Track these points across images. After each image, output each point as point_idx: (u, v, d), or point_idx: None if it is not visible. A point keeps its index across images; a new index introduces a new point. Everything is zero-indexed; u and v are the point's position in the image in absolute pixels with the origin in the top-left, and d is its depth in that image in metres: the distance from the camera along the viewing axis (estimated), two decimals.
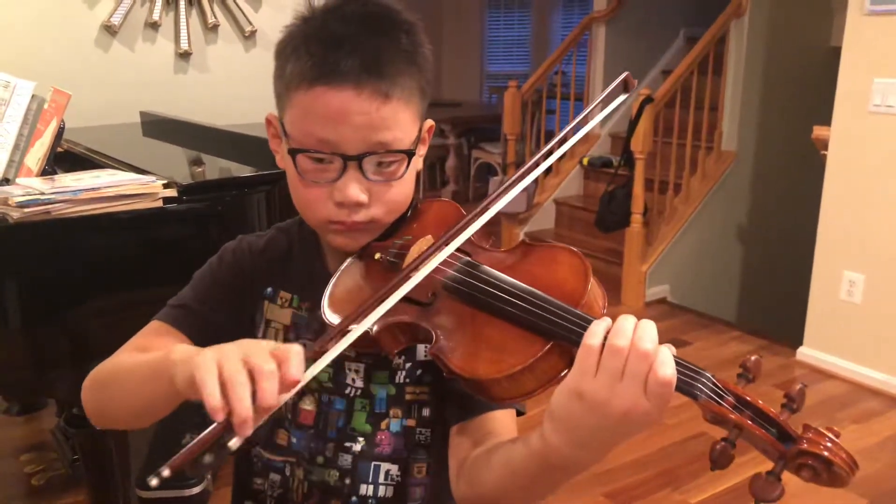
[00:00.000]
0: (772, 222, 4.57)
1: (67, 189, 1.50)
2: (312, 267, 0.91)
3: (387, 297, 0.71)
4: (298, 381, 0.61)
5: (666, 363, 0.59)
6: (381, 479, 0.86)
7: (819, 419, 2.85)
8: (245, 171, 1.92)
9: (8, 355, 1.47)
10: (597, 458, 0.65)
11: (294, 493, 0.90)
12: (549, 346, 0.65)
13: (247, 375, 0.60)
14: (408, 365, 0.86)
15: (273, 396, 0.59)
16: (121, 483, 1.69)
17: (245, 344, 0.64)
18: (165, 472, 0.57)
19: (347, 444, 0.87)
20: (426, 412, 0.87)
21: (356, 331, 0.69)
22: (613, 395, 0.60)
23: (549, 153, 0.83)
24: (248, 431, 0.58)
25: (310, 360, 0.67)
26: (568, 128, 0.83)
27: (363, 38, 0.78)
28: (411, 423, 0.86)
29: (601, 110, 0.87)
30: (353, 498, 0.87)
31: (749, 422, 0.60)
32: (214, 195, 1.72)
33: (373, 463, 0.86)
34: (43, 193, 1.47)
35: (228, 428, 0.58)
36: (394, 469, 0.87)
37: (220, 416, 0.58)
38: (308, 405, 0.88)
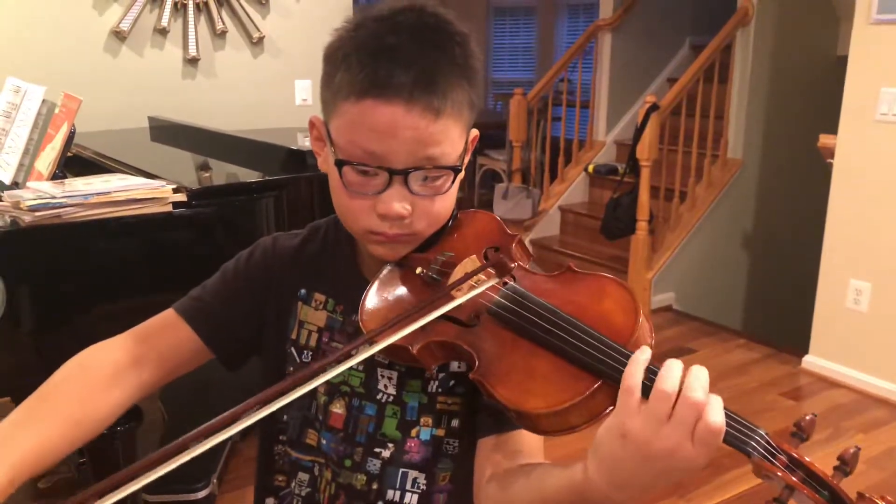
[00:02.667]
0: (778, 230, 4.57)
1: (78, 193, 1.51)
2: (348, 270, 0.91)
3: (423, 317, 0.70)
4: None
5: (716, 410, 0.59)
6: (409, 486, 0.86)
7: (825, 428, 2.84)
8: (253, 176, 1.93)
9: (18, 358, 1.48)
10: (633, 500, 0.64)
11: (321, 494, 0.90)
12: (597, 384, 0.64)
13: None
14: (441, 375, 0.86)
15: None
16: None
17: None
18: None
19: (377, 450, 0.86)
20: (456, 423, 0.86)
21: (385, 342, 0.69)
22: (657, 438, 0.59)
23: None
24: None
25: (334, 362, 0.67)
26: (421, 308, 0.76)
27: (416, 51, 0.76)
28: (441, 432, 0.86)
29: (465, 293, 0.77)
30: (379, 503, 0.87)
31: (801, 483, 0.59)
32: (223, 200, 1.73)
33: (401, 469, 0.86)
34: (54, 197, 1.48)
35: None
36: (421, 477, 0.86)
37: None
38: (338, 409, 0.88)
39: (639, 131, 3.92)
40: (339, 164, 0.80)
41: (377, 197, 0.79)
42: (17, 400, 1.58)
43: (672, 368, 0.61)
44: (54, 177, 1.76)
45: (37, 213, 1.45)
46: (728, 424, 0.59)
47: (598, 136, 5.18)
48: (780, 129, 4.44)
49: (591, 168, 5.04)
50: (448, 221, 0.87)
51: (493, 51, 8.12)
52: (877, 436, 2.82)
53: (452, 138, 0.79)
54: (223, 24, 3.39)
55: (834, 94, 3.28)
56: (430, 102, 0.76)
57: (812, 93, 4.36)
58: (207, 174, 2.18)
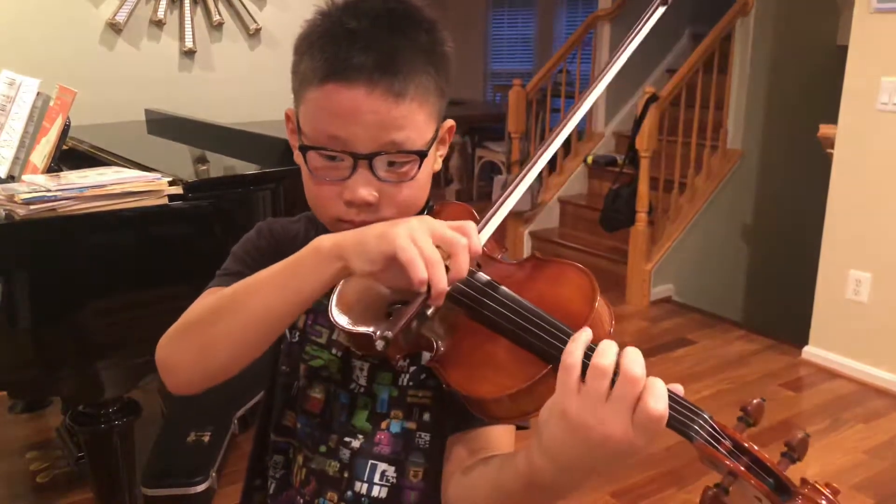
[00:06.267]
0: (777, 221, 4.56)
1: (73, 186, 1.50)
2: None
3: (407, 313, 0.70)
4: (480, 251, 0.70)
5: (658, 397, 0.57)
6: (377, 478, 0.86)
7: (825, 419, 2.84)
8: (250, 168, 1.92)
9: (14, 353, 1.47)
10: (581, 483, 0.63)
11: (294, 478, 0.90)
12: (547, 369, 0.64)
13: (439, 253, 0.66)
14: (412, 368, 0.86)
15: (466, 268, 0.67)
16: (126, 480, 1.69)
17: (426, 221, 0.69)
18: (388, 334, 0.65)
19: (347, 439, 0.87)
20: (427, 416, 0.86)
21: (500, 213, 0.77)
22: (597, 420, 0.58)
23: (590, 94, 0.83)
24: (441, 301, 0.66)
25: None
26: (618, 55, 0.84)
27: (379, 36, 0.76)
28: (412, 425, 0.86)
29: (640, 31, 0.86)
30: (349, 493, 0.87)
31: (745, 470, 0.57)
32: (219, 193, 1.72)
33: (370, 461, 0.86)
34: (49, 190, 1.47)
35: (426, 299, 0.66)
36: (390, 470, 0.86)
37: (424, 288, 0.65)
38: (317, 393, 0.88)
39: (638, 122, 3.91)
40: (304, 149, 0.80)
41: (343, 183, 0.79)
42: (13, 394, 1.57)
43: (608, 346, 0.60)
44: (49, 170, 1.75)
45: (32, 207, 1.44)
46: (670, 408, 0.58)
47: (597, 127, 5.17)
48: (780, 119, 4.43)
49: (590, 159, 5.03)
50: (423, 211, 0.87)
51: (492, 42, 8.10)
52: (877, 426, 2.82)
53: (417, 123, 0.79)
54: (220, 15, 3.37)
55: (834, 84, 3.27)
56: (392, 85, 0.75)
57: (812, 83, 4.34)
58: (204, 167, 2.17)
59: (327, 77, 0.76)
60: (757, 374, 3.23)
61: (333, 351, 0.88)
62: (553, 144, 0.82)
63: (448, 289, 0.66)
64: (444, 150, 0.88)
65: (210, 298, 0.82)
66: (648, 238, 4.11)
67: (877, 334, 3.16)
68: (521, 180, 0.80)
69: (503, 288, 0.72)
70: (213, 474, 2.06)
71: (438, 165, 0.88)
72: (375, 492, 0.86)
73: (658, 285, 4.17)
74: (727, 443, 0.59)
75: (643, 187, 3.96)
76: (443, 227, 0.68)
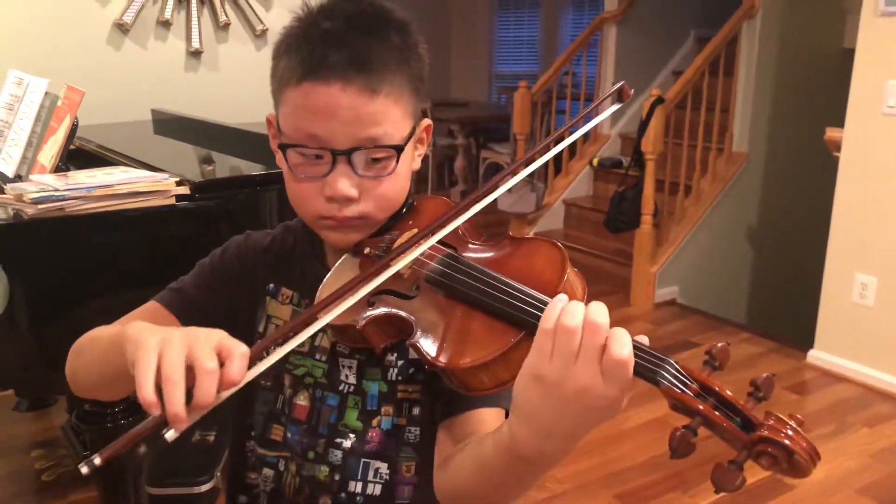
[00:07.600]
0: (783, 224, 4.55)
1: (81, 186, 1.51)
2: (314, 265, 0.92)
3: (358, 288, 0.72)
4: (238, 383, 0.61)
5: (622, 343, 0.58)
6: (371, 476, 0.87)
7: (830, 423, 2.83)
8: (256, 169, 1.92)
9: (21, 351, 1.48)
10: (563, 451, 0.64)
11: (286, 489, 0.91)
12: (521, 335, 0.66)
13: (183, 373, 0.60)
14: (400, 362, 0.87)
15: (209, 396, 0.60)
16: (131, 480, 1.69)
17: (191, 334, 0.63)
18: (97, 461, 0.58)
19: (338, 441, 0.88)
20: (416, 411, 0.87)
21: (323, 320, 0.70)
22: (569, 376, 0.59)
23: (546, 149, 0.82)
24: (183, 427, 0.59)
25: (270, 345, 0.69)
26: (562, 129, 0.85)
27: (352, 35, 0.79)
28: (402, 421, 0.87)
29: (593, 117, 0.88)
30: (343, 494, 0.88)
31: (713, 410, 0.58)
32: (226, 193, 1.72)
33: (362, 460, 0.87)
34: (57, 190, 1.48)
35: (164, 421, 0.58)
36: (383, 467, 0.88)
37: (154, 412, 0.59)
38: (302, 400, 0.90)
39: (644, 124, 3.90)
40: (283, 147, 0.82)
41: (324, 180, 0.81)
42: (19, 392, 1.57)
43: (574, 306, 0.61)
44: (57, 169, 1.76)
45: (40, 206, 1.45)
46: (637, 356, 0.59)
47: (602, 129, 5.16)
48: (786, 122, 4.42)
49: (595, 161, 5.02)
50: (402, 209, 0.89)
51: (498, 44, 8.09)
52: (882, 430, 2.81)
53: (393, 119, 0.81)
54: (226, 16, 3.38)
55: (840, 87, 3.26)
56: (366, 82, 0.78)
57: (818, 86, 4.34)
58: (211, 167, 2.18)
59: (304, 76, 0.78)
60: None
61: (317, 357, 0.89)
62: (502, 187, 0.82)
63: (187, 416, 0.58)
64: (422, 150, 0.91)
65: (95, 330, 0.86)
66: (653, 240, 4.10)
67: (882, 338, 3.15)
68: (477, 197, 0.79)
69: (475, 264, 0.74)
70: (218, 474, 2.07)
71: (417, 164, 0.90)
72: (370, 489, 0.87)
73: (663, 287, 4.16)
74: (694, 386, 0.60)
75: (648, 189, 3.95)
76: (203, 347, 0.61)
